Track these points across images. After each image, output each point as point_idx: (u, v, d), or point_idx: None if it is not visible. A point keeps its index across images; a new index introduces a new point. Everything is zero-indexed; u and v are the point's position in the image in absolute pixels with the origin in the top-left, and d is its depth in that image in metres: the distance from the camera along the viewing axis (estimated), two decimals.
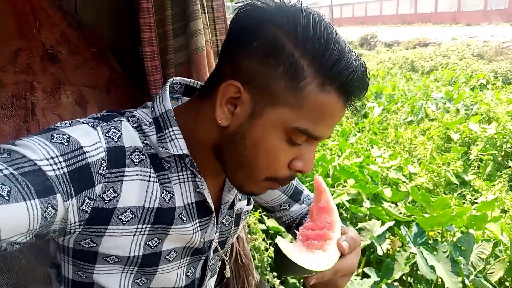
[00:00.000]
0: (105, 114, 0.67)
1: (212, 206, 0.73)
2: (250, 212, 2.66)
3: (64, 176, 0.55)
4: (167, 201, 0.67)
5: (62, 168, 0.55)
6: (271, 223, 2.95)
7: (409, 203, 3.07)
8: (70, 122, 0.62)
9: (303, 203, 0.99)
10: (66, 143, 0.57)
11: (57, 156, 0.55)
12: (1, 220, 0.47)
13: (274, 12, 0.61)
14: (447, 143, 4.96)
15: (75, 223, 0.59)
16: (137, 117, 0.68)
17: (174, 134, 0.66)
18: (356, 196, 3.02)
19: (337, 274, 0.67)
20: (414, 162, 4.46)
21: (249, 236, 2.46)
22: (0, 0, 0.86)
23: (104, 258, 0.67)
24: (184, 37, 0.95)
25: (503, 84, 8.22)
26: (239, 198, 0.83)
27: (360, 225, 2.57)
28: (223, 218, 0.80)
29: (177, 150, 0.66)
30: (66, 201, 0.56)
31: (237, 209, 0.83)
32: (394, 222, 2.60)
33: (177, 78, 0.75)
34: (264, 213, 3.12)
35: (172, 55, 0.94)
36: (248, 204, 0.88)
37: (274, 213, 1.00)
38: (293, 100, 0.60)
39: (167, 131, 0.66)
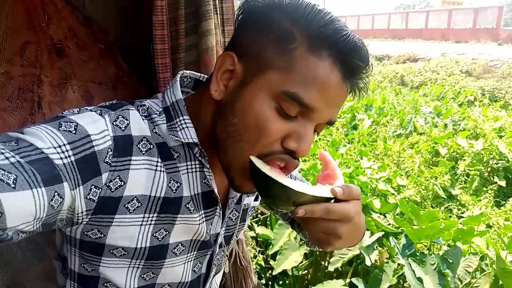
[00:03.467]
0: (114, 102, 0.67)
1: (218, 197, 0.73)
2: None
3: (71, 164, 0.55)
4: (174, 191, 0.67)
5: (69, 156, 0.55)
6: (260, 230, 2.95)
7: (397, 215, 3.09)
8: (78, 109, 0.62)
9: None
10: (74, 131, 0.57)
11: (64, 145, 0.55)
12: (7, 208, 0.47)
13: None
14: (435, 157, 5.04)
15: (82, 212, 0.59)
16: (147, 106, 0.68)
17: (185, 123, 0.66)
18: None
19: (329, 215, 0.61)
20: (402, 175, 4.52)
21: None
22: None
23: (111, 251, 0.66)
24: (195, 36, 0.95)
25: (490, 101, 8.41)
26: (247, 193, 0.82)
27: None
28: (230, 213, 0.80)
29: (187, 138, 0.65)
30: (73, 190, 0.55)
31: (244, 204, 0.83)
32: (383, 233, 2.62)
33: (187, 71, 0.76)
34: (254, 220, 3.12)
35: (183, 53, 0.94)
36: (255, 200, 0.88)
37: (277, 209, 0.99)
38: (282, 63, 0.60)
39: (177, 119, 0.67)
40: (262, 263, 2.71)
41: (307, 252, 2.69)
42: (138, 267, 0.70)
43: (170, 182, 0.66)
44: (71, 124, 0.57)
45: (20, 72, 0.86)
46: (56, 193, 0.52)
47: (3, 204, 0.46)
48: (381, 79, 12.60)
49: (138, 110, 0.66)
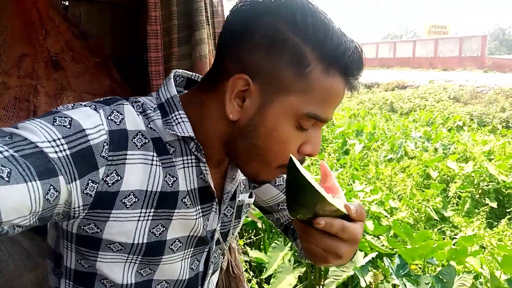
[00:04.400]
0: (108, 98, 0.67)
1: (215, 192, 0.73)
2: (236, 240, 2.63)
3: (66, 158, 0.55)
4: (170, 185, 0.67)
5: (64, 150, 0.55)
6: (254, 254, 2.92)
7: (390, 236, 3.09)
8: (73, 105, 0.62)
9: None
10: (68, 126, 0.57)
11: (59, 139, 0.55)
12: (1, 201, 0.47)
13: (270, 4, 0.63)
14: (426, 180, 5.07)
15: (79, 207, 0.59)
16: (142, 102, 0.68)
17: (181, 118, 0.67)
18: None
19: (343, 233, 0.61)
20: (394, 198, 4.53)
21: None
22: (9, 7, 0.89)
23: (108, 246, 0.66)
24: (188, 47, 0.98)
25: (478, 126, 8.54)
26: (241, 190, 0.83)
27: None
28: (225, 209, 0.80)
29: (183, 132, 0.66)
30: (69, 184, 0.55)
31: (239, 200, 0.83)
32: (377, 253, 2.61)
33: (180, 70, 0.76)
34: (247, 241, 3.09)
35: (176, 62, 0.97)
36: (250, 197, 0.88)
37: (272, 215, 0.99)
38: (301, 86, 0.62)
39: (173, 114, 0.67)
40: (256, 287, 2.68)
41: (301, 275, 2.67)
42: (135, 263, 0.70)
43: (166, 177, 0.67)
44: (65, 119, 0.57)
45: (17, 82, 0.88)
46: (51, 187, 0.52)
47: None
48: (371, 106, 12.79)
49: (133, 106, 0.66)
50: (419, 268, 2.81)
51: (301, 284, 2.75)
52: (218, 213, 0.77)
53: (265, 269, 2.76)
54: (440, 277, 2.32)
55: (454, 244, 2.99)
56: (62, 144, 0.55)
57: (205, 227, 0.75)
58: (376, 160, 6.06)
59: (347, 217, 0.62)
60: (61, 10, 0.97)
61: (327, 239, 0.62)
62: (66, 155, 0.55)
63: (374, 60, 30.57)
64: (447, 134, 7.07)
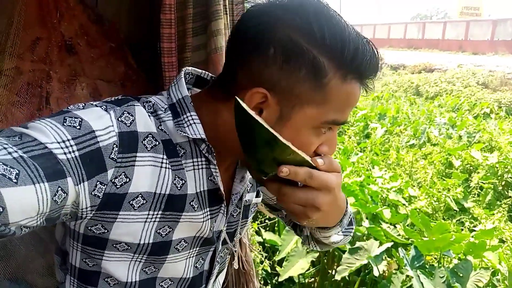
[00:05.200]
0: (120, 98, 0.67)
1: (224, 194, 0.73)
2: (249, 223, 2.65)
3: (75, 159, 0.55)
4: (179, 188, 0.67)
5: (73, 151, 0.55)
6: (267, 236, 2.93)
7: (407, 225, 3.05)
8: (84, 104, 0.62)
9: None
10: (78, 127, 0.57)
11: (68, 140, 0.55)
12: (9, 203, 0.46)
13: (283, 12, 0.60)
14: (448, 168, 4.97)
15: (86, 208, 0.59)
16: (153, 102, 0.68)
17: (192, 119, 0.66)
18: (356, 214, 3.01)
19: (311, 181, 0.62)
20: (414, 186, 4.46)
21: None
22: None
23: (114, 245, 0.67)
24: (203, 37, 0.95)
25: (506, 114, 8.25)
26: (248, 189, 0.83)
27: (358, 244, 2.55)
28: (232, 210, 0.80)
29: (195, 134, 0.65)
30: (78, 185, 0.55)
31: (246, 200, 0.83)
32: (392, 243, 2.58)
33: (190, 68, 0.75)
34: (262, 225, 3.10)
35: (190, 53, 0.94)
36: (257, 196, 0.88)
37: (280, 211, 0.99)
38: (319, 97, 0.62)
39: (184, 116, 0.66)
40: (268, 269, 2.69)
41: (314, 260, 2.67)
42: (140, 261, 0.71)
43: (175, 179, 0.66)
44: (75, 119, 0.57)
45: (30, 67, 0.87)
46: (59, 188, 0.52)
47: (5, 199, 0.46)
48: (396, 89, 12.50)
49: (144, 107, 0.66)
50: (435, 258, 2.77)
51: (313, 269, 2.75)
52: (225, 214, 0.77)
53: (278, 251, 2.77)
54: (456, 271, 2.28)
55: (472, 237, 2.93)
56: (71, 145, 0.55)
57: (211, 228, 0.75)
58: (398, 146, 5.95)
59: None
60: None
61: (300, 191, 0.63)
62: (75, 156, 0.55)
63: (401, 40, 29.72)
64: (473, 121, 6.86)
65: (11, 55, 0.84)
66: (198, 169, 0.69)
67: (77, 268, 0.72)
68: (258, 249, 2.60)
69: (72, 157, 0.54)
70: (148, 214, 0.66)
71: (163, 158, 0.65)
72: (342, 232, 0.89)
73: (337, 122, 0.65)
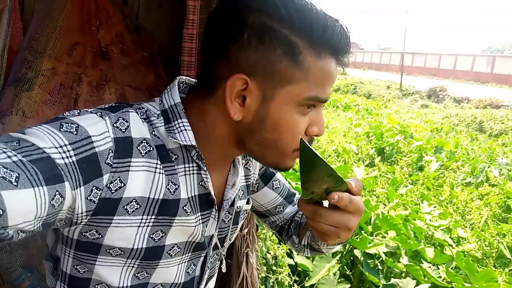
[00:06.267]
0: (113, 105, 0.69)
1: (215, 199, 0.74)
2: (279, 245, 2.60)
3: (73, 164, 0.55)
4: (172, 193, 0.68)
5: (71, 156, 0.56)
6: (299, 259, 2.86)
7: (451, 268, 2.85)
8: (79, 111, 0.63)
9: (295, 204, 1.02)
10: (75, 132, 0.57)
11: (66, 145, 0.56)
12: (9, 206, 0.47)
13: (253, 0, 0.64)
14: (505, 212, 4.61)
15: (82, 213, 0.59)
16: (146, 109, 0.69)
17: (183, 126, 0.68)
18: (395, 249, 2.86)
19: (351, 205, 0.66)
20: (465, 227, 4.18)
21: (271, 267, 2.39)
22: None
23: (108, 251, 0.67)
24: None
25: None
26: (239, 196, 0.85)
27: (393, 280, 2.42)
28: (223, 215, 0.81)
29: (185, 141, 0.67)
30: (74, 190, 0.56)
31: (237, 207, 0.84)
32: (430, 285, 2.42)
33: (184, 77, 0.77)
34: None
35: None
36: (247, 203, 0.90)
37: (268, 218, 1.02)
38: (298, 75, 0.64)
39: (175, 122, 0.68)
40: None
41: None
42: (133, 266, 0.71)
43: (168, 184, 0.67)
44: (72, 125, 0.58)
45: (65, 69, 0.91)
46: (57, 192, 0.53)
47: (5, 202, 0.46)
48: (457, 122, 11.91)
49: (137, 113, 0.67)
50: None
51: None
52: (217, 219, 0.78)
53: (308, 276, 2.69)
54: None
55: None
56: (68, 151, 0.56)
57: (203, 233, 0.76)
58: (452, 182, 5.63)
59: (348, 192, 0.67)
60: (118, 1, 0.99)
61: (337, 214, 0.67)
62: (72, 161, 0.56)
63: (468, 73, 28.40)
64: None
65: (50, 57, 0.89)
66: (189, 174, 0.70)
67: (67, 275, 0.72)
68: (288, 271, 2.54)
69: (69, 162, 0.55)
70: (142, 219, 0.66)
71: (157, 164, 0.66)
72: None
73: (319, 98, 0.67)
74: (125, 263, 0.70)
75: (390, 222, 3.06)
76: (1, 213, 0.46)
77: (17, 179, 0.48)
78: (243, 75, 0.64)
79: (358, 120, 9.75)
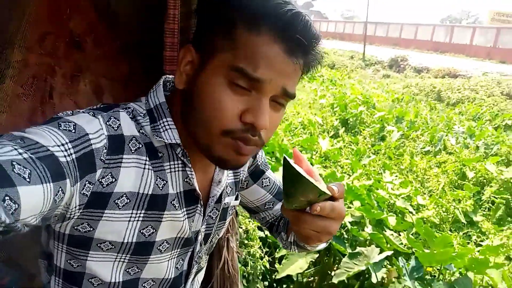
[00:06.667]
0: (102, 105, 0.71)
1: (200, 195, 0.77)
2: (250, 220, 2.66)
3: (73, 162, 0.58)
4: (161, 188, 0.71)
5: (71, 154, 0.58)
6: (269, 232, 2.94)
7: (412, 234, 3.02)
8: (72, 112, 0.66)
9: None
10: (73, 130, 0.60)
11: (67, 143, 0.58)
12: (23, 200, 0.49)
13: None
14: (461, 179, 4.89)
15: (75, 207, 0.62)
16: (132, 109, 0.71)
17: (168, 124, 0.70)
18: (360, 219, 2.99)
19: (333, 212, 0.66)
20: (424, 194, 4.41)
21: (246, 242, 2.45)
22: None
23: (98, 245, 0.69)
24: None
25: None
26: (227, 193, 0.87)
27: (358, 249, 2.55)
28: (210, 211, 0.83)
29: (170, 139, 0.69)
30: (73, 186, 0.59)
31: (224, 203, 0.87)
32: (393, 252, 2.57)
33: (170, 76, 0.79)
34: None
35: None
36: (236, 199, 0.92)
37: (258, 214, 1.04)
38: (228, 45, 0.64)
39: (161, 121, 0.70)
40: (267, 265, 2.71)
41: (314, 260, 2.68)
42: (123, 261, 0.73)
43: (157, 180, 0.70)
44: (69, 123, 0.61)
45: (36, 61, 0.89)
46: (60, 189, 0.55)
47: (21, 197, 0.48)
48: (417, 92, 12.30)
49: (125, 112, 0.70)
50: (437, 269, 2.75)
51: (313, 269, 2.76)
52: (202, 215, 0.80)
53: (279, 248, 2.79)
54: (455, 286, 2.26)
55: (478, 251, 2.89)
56: (69, 149, 0.59)
57: (190, 228, 0.78)
58: (412, 151, 5.87)
59: (331, 197, 0.68)
60: None
61: (319, 221, 0.68)
62: (72, 159, 0.59)
63: (427, 43, 29.09)
64: (492, 132, 6.72)
65: (20, 47, 0.86)
66: (175, 171, 0.73)
67: (61, 269, 0.74)
68: (259, 244, 2.62)
69: (71, 160, 0.58)
70: (132, 213, 0.69)
71: (146, 160, 0.69)
72: None
73: (246, 72, 0.63)
74: (116, 258, 0.72)
75: (355, 193, 3.18)
76: (17, 207, 0.48)
77: (29, 176, 0.50)
78: (189, 45, 0.68)
79: (323, 91, 9.87)
